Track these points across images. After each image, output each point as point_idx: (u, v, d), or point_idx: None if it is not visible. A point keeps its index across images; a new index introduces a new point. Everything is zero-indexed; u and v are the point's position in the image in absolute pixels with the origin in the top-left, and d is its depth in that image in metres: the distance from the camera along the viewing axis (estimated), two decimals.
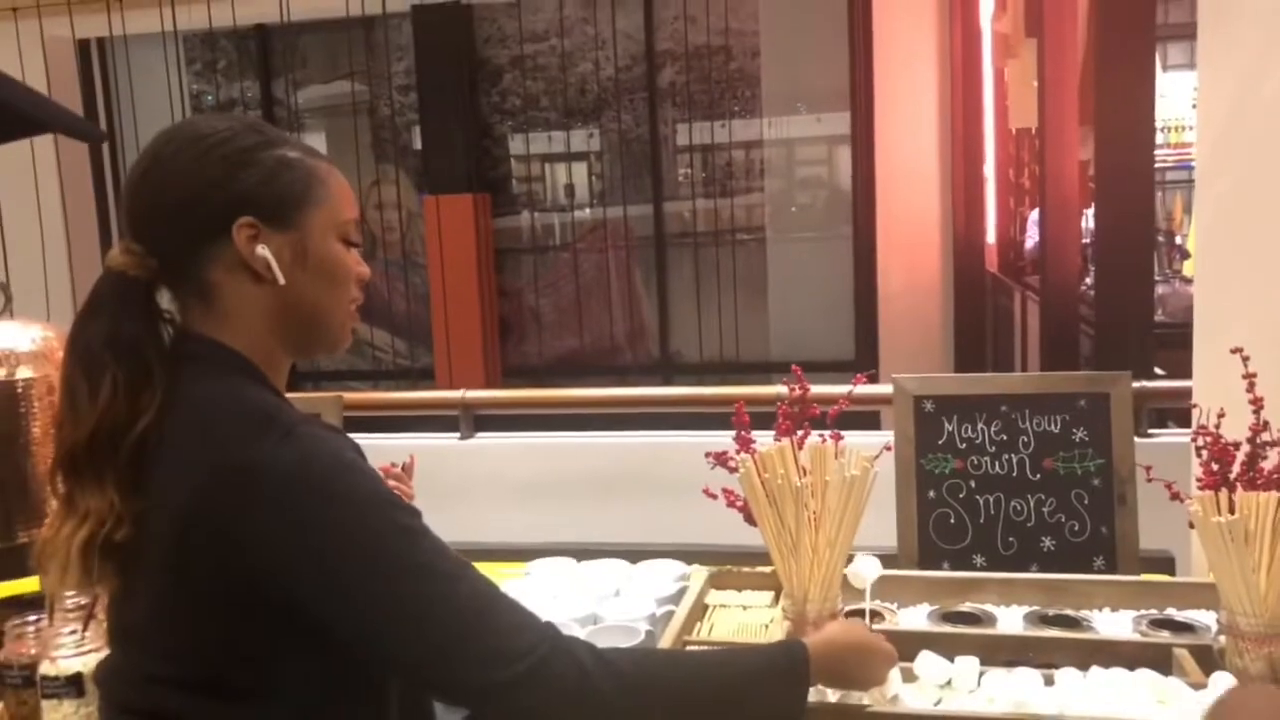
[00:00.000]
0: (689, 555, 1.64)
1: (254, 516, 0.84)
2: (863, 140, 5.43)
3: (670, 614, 1.37)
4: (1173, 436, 2.47)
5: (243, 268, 0.94)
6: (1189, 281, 4.15)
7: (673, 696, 0.93)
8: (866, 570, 1.25)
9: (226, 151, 0.94)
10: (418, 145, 6.86)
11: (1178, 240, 4.64)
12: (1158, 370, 2.78)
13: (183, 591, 0.87)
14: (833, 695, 1.10)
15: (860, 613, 1.34)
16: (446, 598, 0.86)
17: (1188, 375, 1.84)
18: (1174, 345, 2.94)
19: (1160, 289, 3.77)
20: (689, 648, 1.27)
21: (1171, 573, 1.74)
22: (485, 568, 1.80)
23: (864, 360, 5.44)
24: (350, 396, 1.91)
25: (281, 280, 0.94)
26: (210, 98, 7.02)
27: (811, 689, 1.01)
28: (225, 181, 0.93)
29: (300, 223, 0.96)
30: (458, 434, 2.97)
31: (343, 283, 0.99)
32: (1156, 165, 3.79)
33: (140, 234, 0.94)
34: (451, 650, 0.85)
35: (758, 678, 0.98)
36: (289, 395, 1.03)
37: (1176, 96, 5.49)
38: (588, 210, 6.89)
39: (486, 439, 3.00)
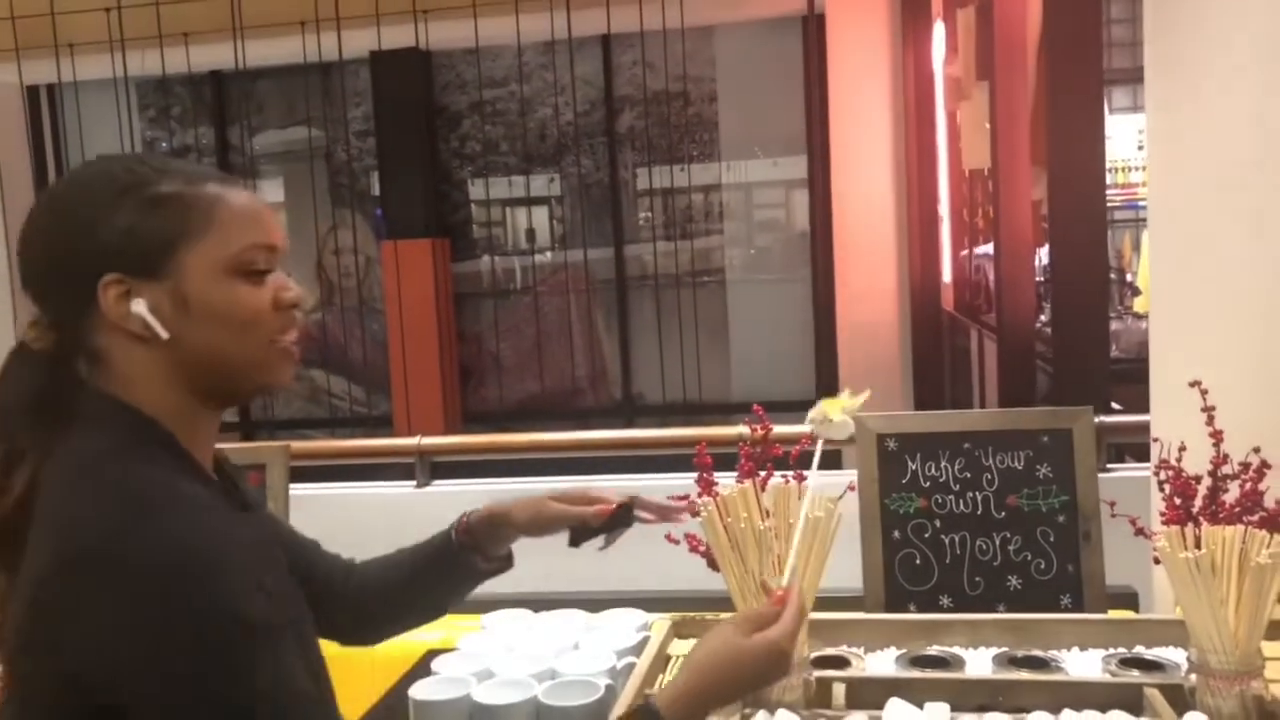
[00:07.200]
0: (652, 603, 1.60)
1: (85, 612, 0.75)
2: (820, 183, 5.50)
3: (631, 666, 1.32)
4: (1131, 471, 2.48)
5: (123, 328, 0.84)
6: (1140, 317, 4.23)
7: None
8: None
9: (87, 203, 0.85)
10: (376, 191, 6.84)
11: (1128, 278, 4.74)
12: (1114, 405, 2.80)
13: (21, 687, 0.78)
14: None
15: (829, 660, 1.31)
16: None
17: (1143, 409, 1.85)
18: (1128, 380, 2.97)
19: (1113, 325, 3.82)
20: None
21: (1135, 608, 1.73)
22: (442, 620, 1.73)
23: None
24: (299, 445, 1.86)
25: (165, 335, 0.84)
26: (164, 144, 6.95)
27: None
28: (85, 238, 0.84)
29: (173, 268, 0.84)
30: (414, 482, 2.91)
31: (244, 324, 0.86)
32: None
33: (34, 299, 0.88)
34: None
35: None
36: (234, 445, 0.97)
37: (1122, 138, 5.64)
38: (548, 254, 6.89)
39: (443, 486, 2.94)
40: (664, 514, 1.22)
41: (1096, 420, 1.59)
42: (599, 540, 1.17)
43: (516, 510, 1.16)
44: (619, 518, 1.15)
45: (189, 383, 0.86)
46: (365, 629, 1.19)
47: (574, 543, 1.16)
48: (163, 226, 0.84)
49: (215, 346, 0.86)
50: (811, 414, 1.14)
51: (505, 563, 1.19)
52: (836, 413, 1.14)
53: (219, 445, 1.01)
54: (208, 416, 0.90)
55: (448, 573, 1.16)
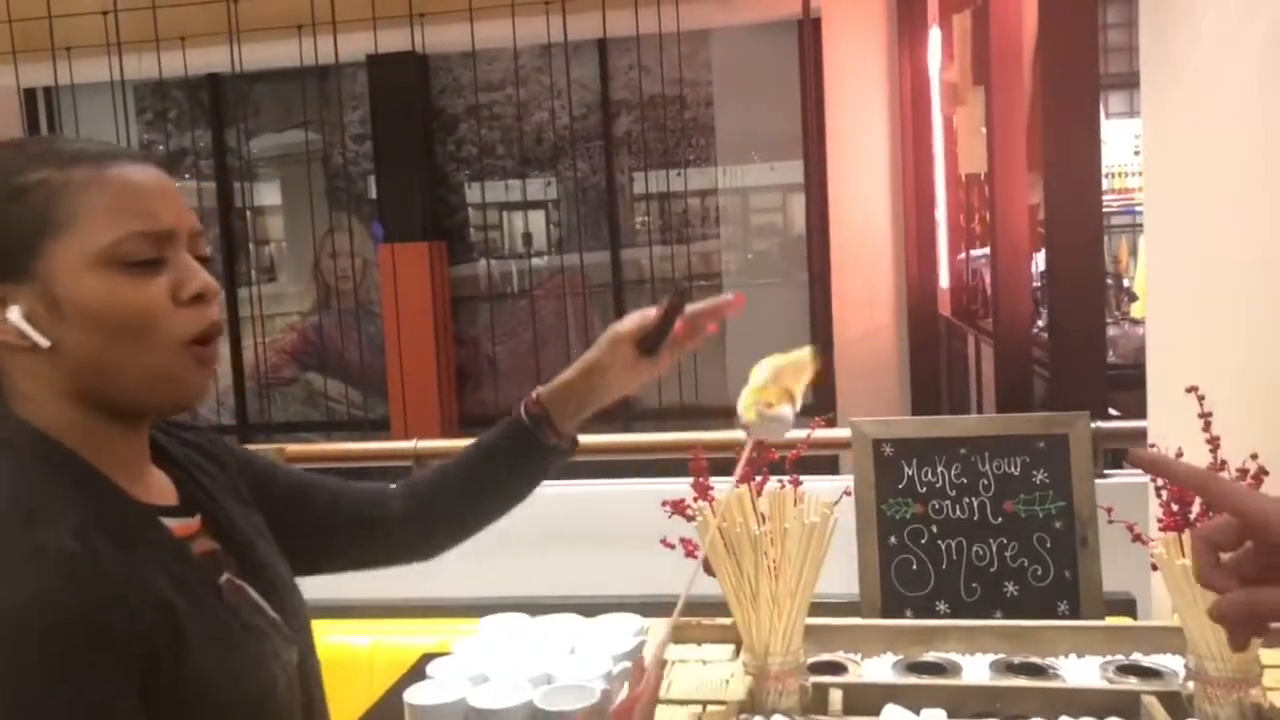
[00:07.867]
0: (648, 607, 1.59)
1: None
2: (816, 187, 5.50)
3: (627, 671, 1.32)
4: (1129, 477, 2.48)
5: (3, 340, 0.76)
6: (1137, 323, 4.23)
7: None
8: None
9: None
10: (373, 194, 6.84)
11: (1125, 283, 4.74)
12: (1111, 411, 2.80)
13: None
14: None
15: (826, 666, 1.30)
16: None
17: (1140, 415, 1.85)
18: (1126, 386, 2.98)
19: (1110, 331, 3.83)
20: None
21: (1133, 615, 1.73)
22: (437, 624, 1.73)
23: (822, 404, 5.45)
24: (295, 448, 1.85)
25: (45, 344, 0.74)
26: (161, 147, 6.95)
27: None
28: None
29: (39, 267, 0.74)
30: None
31: (132, 325, 0.75)
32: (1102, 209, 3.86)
33: None
34: None
35: None
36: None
37: (1118, 143, 5.65)
38: (545, 258, 6.89)
39: None
40: (717, 312, 1.15)
41: (1093, 426, 1.59)
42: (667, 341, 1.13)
43: (589, 355, 1.10)
44: (676, 306, 1.13)
45: (82, 395, 0.77)
46: (426, 543, 1.14)
47: (646, 350, 1.12)
48: (25, 220, 0.74)
49: (98, 353, 0.75)
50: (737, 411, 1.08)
51: (570, 446, 1.14)
52: (751, 413, 1.07)
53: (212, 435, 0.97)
54: (119, 431, 0.79)
55: (514, 457, 1.10)
